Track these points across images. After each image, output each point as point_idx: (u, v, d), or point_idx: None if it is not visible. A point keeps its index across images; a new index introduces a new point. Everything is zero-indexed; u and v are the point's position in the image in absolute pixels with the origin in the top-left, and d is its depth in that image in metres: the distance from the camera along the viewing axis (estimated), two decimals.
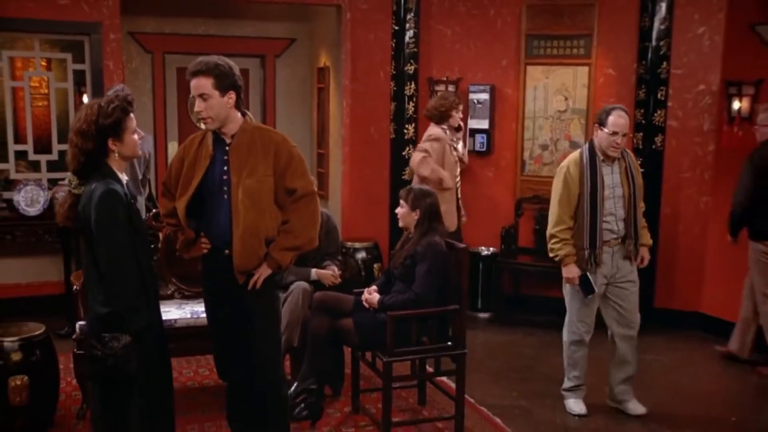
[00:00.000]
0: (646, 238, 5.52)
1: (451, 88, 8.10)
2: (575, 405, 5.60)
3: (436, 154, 6.79)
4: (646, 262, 5.55)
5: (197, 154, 4.20)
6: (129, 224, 3.73)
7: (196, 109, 4.11)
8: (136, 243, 3.76)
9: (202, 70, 4.05)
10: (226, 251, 4.17)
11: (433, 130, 6.95)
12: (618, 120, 5.21)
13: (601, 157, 5.31)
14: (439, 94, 7.57)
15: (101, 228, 3.66)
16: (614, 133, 5.21)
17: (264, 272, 4.20)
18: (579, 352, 5.56)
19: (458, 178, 7.06)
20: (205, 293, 4.52)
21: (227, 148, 4.15)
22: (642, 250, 5.48)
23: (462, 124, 7.23)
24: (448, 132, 6.97)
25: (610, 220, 5.33)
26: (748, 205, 6.25)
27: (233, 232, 4.12)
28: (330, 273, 5.87)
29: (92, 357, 3.69)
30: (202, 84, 4.04)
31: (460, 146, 7.20)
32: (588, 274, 5.33)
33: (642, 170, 7.27)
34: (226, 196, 4.15)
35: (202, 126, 4.21)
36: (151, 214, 5.56)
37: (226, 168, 4.15)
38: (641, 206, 5.47)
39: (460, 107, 7.05)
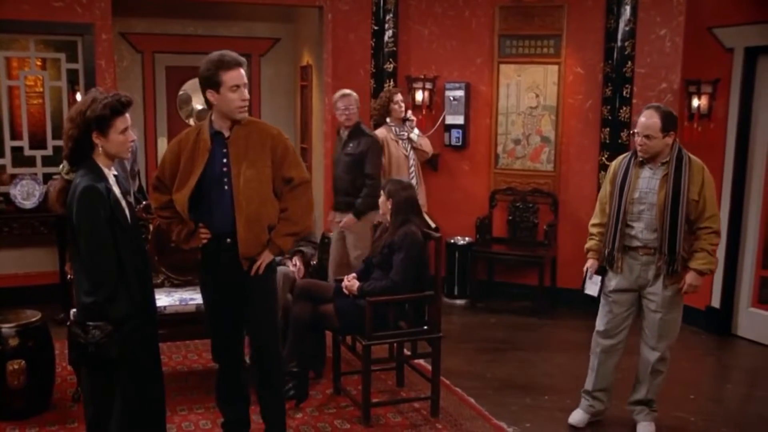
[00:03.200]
0: (697, 261, 4.78)
1: (428, 85, 8.26)
2: (575, 414, 5.30)
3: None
4: (686, 288, 4.82)
5: (194, 148, 4.21)
6: (112, 218, 3.78)
7: (246, 97, 4.16)
8: (119, 236, 3.81)
9: (243, 64, 4.18)
10: (228, 240, 4.23)
11: (374, 132, 7.15)
12: (640, 119, 4.80)
13: (640, 158, 4.88)
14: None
15: (80, 223, 3.74)
16: (636, 133, 4.83)
17: (266, 258, 4.29)
18: (597, 348, 5.17)
19: (412, 170, 7.19)
20: (203, 281, 4.54)
21: (226, 141, 4.20)
22: (688, 275, 4.80)
23: (411, 115, 7.36)
24: (395, 128, 7.17)
25: (636, 227, 4.88)
26: None
27: (236, 221, 4.18)
28: (291, 270, 5.86)
29: (75, 344, 3.79)
30: (244, 74, 4.16)
31: (414, 136, 7.30)
32: (588, 274, 5.11)
33: (608, 163, 7.54)
34: (226, 187, 4.20)
35: (239, 115, 4.16)
36: (141, 206, 5.58)
37: (225, 160, 4.20)
38: (707, 227, 4.77)
39: (398, 97, 7.18)
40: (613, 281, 5.03)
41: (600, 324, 5.16)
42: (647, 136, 4.75)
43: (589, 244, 5.15)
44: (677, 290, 4.88)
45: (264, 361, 4.47)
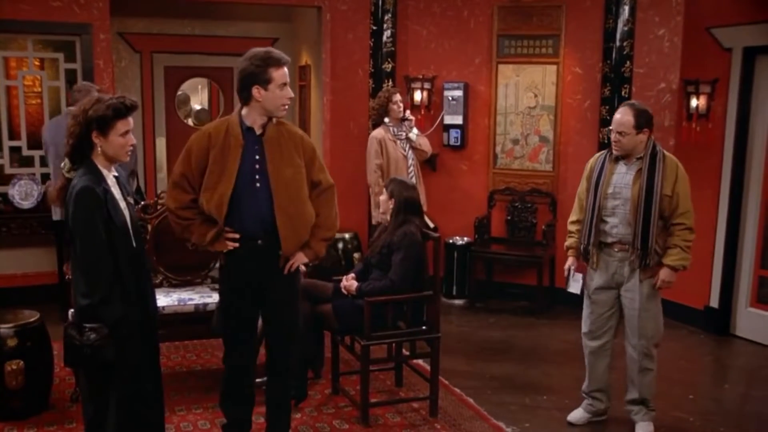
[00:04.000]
0: (670, 257, 4.82)
1: (426, 85, 8.27)
2: (575, 412, 5.36)
3: (375, 156, 7.04)
4: (659, 284, 4.86)
5: (225, 143, 4.12)
6: (108, 221, 3.72)
7: (291, 95, 4.17)
8: (115, 239, 3.75)
9: (289, 62, 4.18)
10: (259, 241, 4.19)
11: (371, 133, 7.12)
12: (615, 116, 4.87)
13: (615, 155, 4.94)
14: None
15: (75, 224, 3.71)
16: (610, 130, 4.94)
17: (301, 259, 4.31)
18: (586, 350, 5.24)
19: (411, 170, 7.14)
20: (227, 285, 4.42)
21: (262, 138, 4.15)
22: (662, 271, 4.84)
23: (409, 114, 7.29)
24: (393, 128, 7.13)
25: (611, 222, 4.93)
26: None
27: (277, 220, 4.14)
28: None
29: (70, 346, 3.75)
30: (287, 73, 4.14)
31: (413, 135, 7.23)
32: (570, 272, 5.20)
33: None
34: (258, 185, 4.14)
35: (281, 113, 4.18)
36: (138, 206, 5.52)
37: (258, 157, 4.14)
38: (680, 223, 4.80)
39: (397, 97, 7.11)
40: (593, 281, 5.09)
41: (584, 325, 5.23)
42: (620, 133, 4.81)
43: (569, 242, 5.22)
44: (652, 285, 4.92)
45: (290, 355, 4.48)
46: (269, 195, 4.17)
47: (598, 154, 5.15)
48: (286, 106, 4.19)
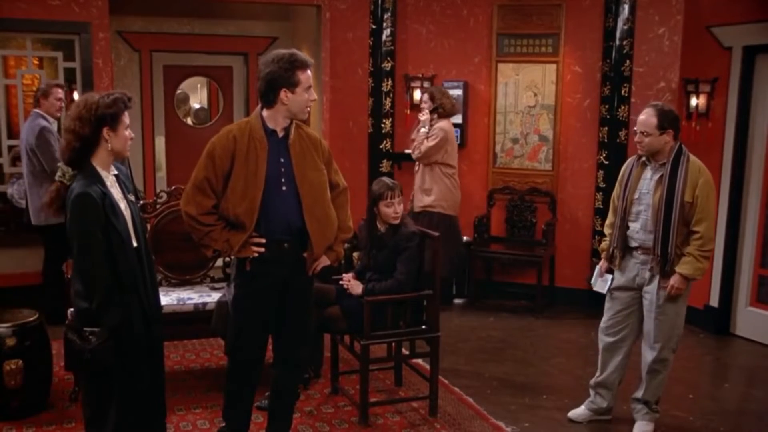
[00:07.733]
0: (682, 265, 4.80)
1: (426, 84, 8.24)
2: (576, 409, 5.41)
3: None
4: (673, 292, 4.82)
5: (250, 147, 4.08)
6: (107, 224, 3.69)
7: (315, 97, 4.17)
8: (114, 242, 3.71)
9: (312, 64, 4.15)
10: (285, 245, 4.19)
11: (445, 125, 7.42)
12: (639, 116, 4.91)
13: (643, 159, 4.98)
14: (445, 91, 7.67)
15: (71, 230, 3.68)
16: (635, 131, 4.96)
17: (324, 261, 4.34)
18: (600, 345, 5.28)
19: None
20: (250, 287, 4.30)
21: (286, 141, 4.15)
22: (673, 277, 4.81)
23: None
24: None
25: (633, 227, 4.98)
26: None
27: (307, 224, 4.14)
28: None
29: (71, 350, 3.77)
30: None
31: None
32: (599, 272, 5.23)
33: (606, 162, 7.65)
34: (285, 188, 4.13)
35: (305, 116, 4.17)
36: (138, 205, 5.50)
37: (282, 160, 4.13)
38: (694, 231, 4.78)
39: None
40: (615, 280, 5.14)
41: (603, 321, 5.26)
42: (643, 133, 4.83)
43: (602, 244, 5.30)
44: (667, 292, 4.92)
45: (293, 357, 4.48)
46: (295, 198, 4.17)
47: (630, 159, 5.16)
48: (309, 109, 4.18)
